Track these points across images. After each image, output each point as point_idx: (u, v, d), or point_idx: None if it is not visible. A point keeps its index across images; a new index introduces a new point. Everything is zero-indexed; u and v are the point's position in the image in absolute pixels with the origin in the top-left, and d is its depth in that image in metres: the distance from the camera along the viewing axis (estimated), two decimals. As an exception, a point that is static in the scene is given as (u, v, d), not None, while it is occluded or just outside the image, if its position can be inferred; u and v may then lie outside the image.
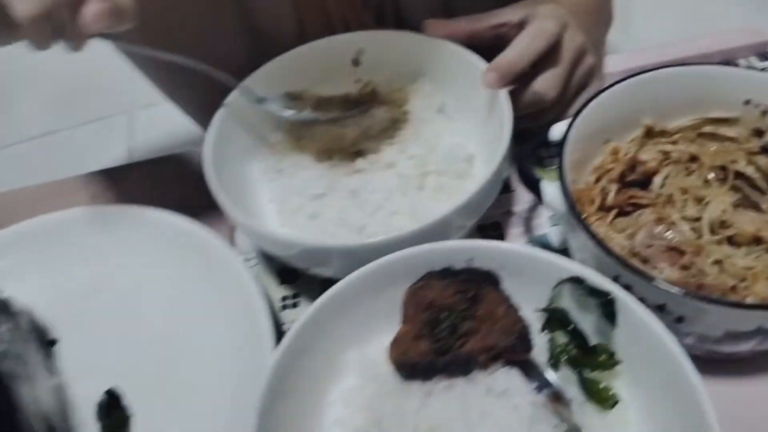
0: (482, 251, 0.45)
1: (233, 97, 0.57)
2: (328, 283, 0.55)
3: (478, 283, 0.43)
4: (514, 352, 0.41)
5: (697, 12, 1.36)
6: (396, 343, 0.44)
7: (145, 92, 1.45)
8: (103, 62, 1.54)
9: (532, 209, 0.60)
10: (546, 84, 0.54)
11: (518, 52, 0.52)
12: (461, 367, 0.41)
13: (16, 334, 0.51)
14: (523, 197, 0.61)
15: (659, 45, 0.71)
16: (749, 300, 0.44)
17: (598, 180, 0.54)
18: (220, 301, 0.54)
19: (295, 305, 0.57)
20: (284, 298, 0.58)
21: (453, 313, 0.43)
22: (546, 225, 0.58)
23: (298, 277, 0.59)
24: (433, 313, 0.43)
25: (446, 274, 0.45)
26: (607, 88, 0.53)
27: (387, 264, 0.46)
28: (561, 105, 0.57)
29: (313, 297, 0.57)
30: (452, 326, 0.42)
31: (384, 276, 0.46)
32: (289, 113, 0.58)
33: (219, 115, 0.57)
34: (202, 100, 0.75)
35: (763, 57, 0.71)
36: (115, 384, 0.53)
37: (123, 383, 0.53)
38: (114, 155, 1.28)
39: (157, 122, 1.36)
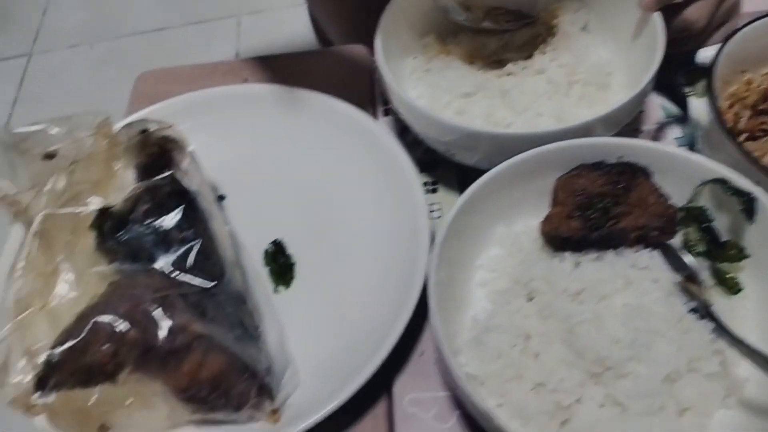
0: (633, 149, 0.51)
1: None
2: (464, 172, 0.62)
3: (631, 174, 0.49)
4: (663, 233, 0.47)
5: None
6: (548, 220, 0.51)
7: (252, -1, 1.52)
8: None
9: (659, 129, 0.65)
10: (697, 13, 0.58)
11: None
12: (612, 241, 0.48)
13: (203, 181, 0.58)
14: (650, 118, 0.66)
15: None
16: None
17: (731, 106, 0.59)
18: (377, 173, 0.61)
19: (434, 190, 0.64)
20: (425, 184, 0.64)
21: (606, 197, 0.49)
22: (673, 145, 0.63)
23: (436, 166, 0.65)
24: (585, 198, 0.50)
25: (599, 166, 0.51)
26: (750, 22, 0.57)
27: (541, 153, 0.52)
28: (704, 35, 0.61)
29: (450, 184, 0.64)
30: (605, 209, 0.48)
31: (537, 164, 0.52)
32: (464, 17, 0.63)
33: (388, 10, 0.62)
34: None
35: None
36: (279, 237, 0.61)
37: (286, 236, 0.61)
38: (222, 56, 1.35)
39: (262, 28, 1.43)
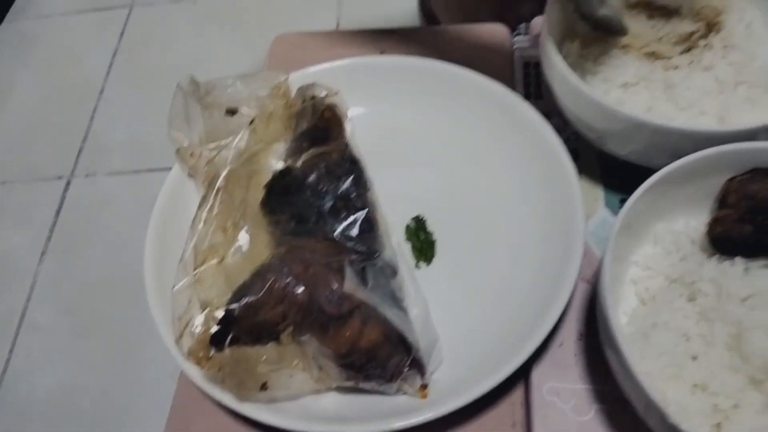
0: (813, 158, 0.49)
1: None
2: (608, 162, 0.61)
3: (814, 184, 0.48)
4: None
5: None
6: (718, 222, 0.50)
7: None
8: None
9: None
10: None
11: None
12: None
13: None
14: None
15: None
16: None
17: None
18: (525, 156, 0.61)
19: (576, 179, 0.64)
20: (568, 172, 0.64)
21: (784, 205, 0.48)
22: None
23: (579, 155, 0.65)
24: (759, 203, 0.49)
25: (775, 172, 0.50)
26: None
27: (715, 154, 0.51)
28: None
29: (593, 175, 0.64)
30: (782, 216, 0.47)
31: (708, 165, 0.51)
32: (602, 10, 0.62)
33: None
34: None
35: None
36: (420, 212, 0.61)
37: (428, 213, 0.61)
38: (323, 23, 1.35)
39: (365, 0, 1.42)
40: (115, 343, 1.09)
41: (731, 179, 0.51)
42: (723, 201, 0.51)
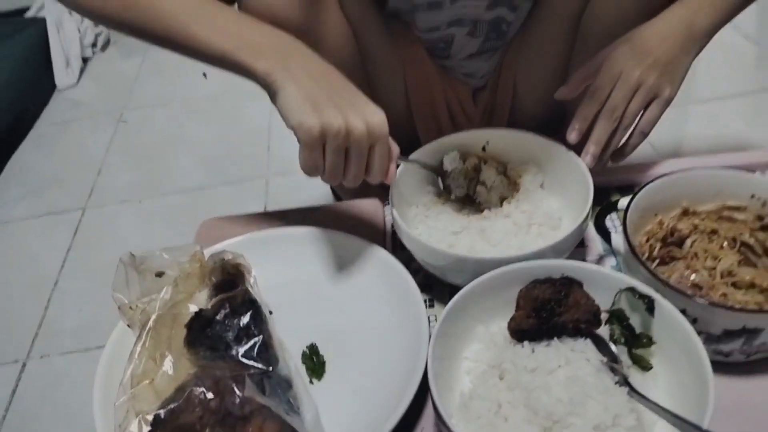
0: (571, 268, 0.71)
1: (403, 165, 0.86)
2: (454, 291, 0.82)
3: (569, 285, 0.69)
4: (591, 324, 0.67)
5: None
6: (513, 320, 0.70)
7: (280, 163, 1.80)
8: (246, 135, 1.91)
9: (599, 260, 0.86)
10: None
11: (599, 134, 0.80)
12: (557, 332, 0.67)
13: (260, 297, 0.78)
14: (593, 251, 0.87)
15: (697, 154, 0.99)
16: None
17: (647, 240, 0.80)
18: (390, 292, 0.81)
19: (432, 305, 0.84)
20: (425, 301, 0.84)
21: (552, 302, 0.68)
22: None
23: (433, 287, 0.86)
24: (539, 303, 0.69)
25: (547, 280, 0.71)
26: (657, 179, 0.80)
27: (507, 272, 0.72)
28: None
29: (444, 300, 0.84)
30: (551, 309, 0.68)
31: (503, 280, 0.72)
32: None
33: (398, 176, 0.85)
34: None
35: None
36: (314, 341, 0.80)
37: (319, 340, 0.80)
38: (253, 210, 1.59)
39: (288, 188, 1.69)
40: None
41: (521, 289, 0.72)
42: (517, 305, 0.72)
